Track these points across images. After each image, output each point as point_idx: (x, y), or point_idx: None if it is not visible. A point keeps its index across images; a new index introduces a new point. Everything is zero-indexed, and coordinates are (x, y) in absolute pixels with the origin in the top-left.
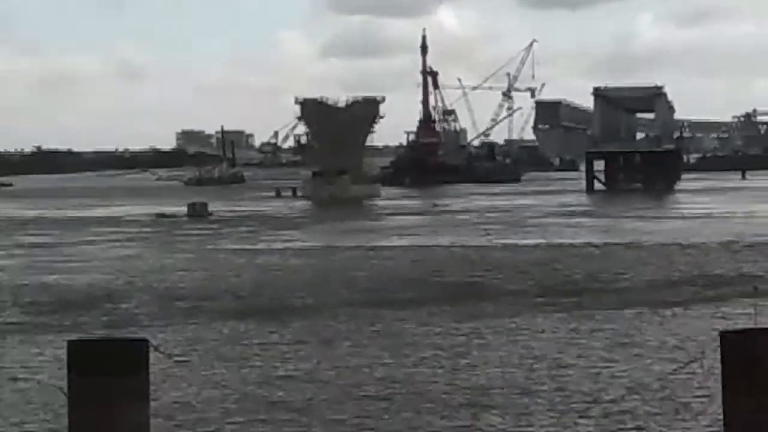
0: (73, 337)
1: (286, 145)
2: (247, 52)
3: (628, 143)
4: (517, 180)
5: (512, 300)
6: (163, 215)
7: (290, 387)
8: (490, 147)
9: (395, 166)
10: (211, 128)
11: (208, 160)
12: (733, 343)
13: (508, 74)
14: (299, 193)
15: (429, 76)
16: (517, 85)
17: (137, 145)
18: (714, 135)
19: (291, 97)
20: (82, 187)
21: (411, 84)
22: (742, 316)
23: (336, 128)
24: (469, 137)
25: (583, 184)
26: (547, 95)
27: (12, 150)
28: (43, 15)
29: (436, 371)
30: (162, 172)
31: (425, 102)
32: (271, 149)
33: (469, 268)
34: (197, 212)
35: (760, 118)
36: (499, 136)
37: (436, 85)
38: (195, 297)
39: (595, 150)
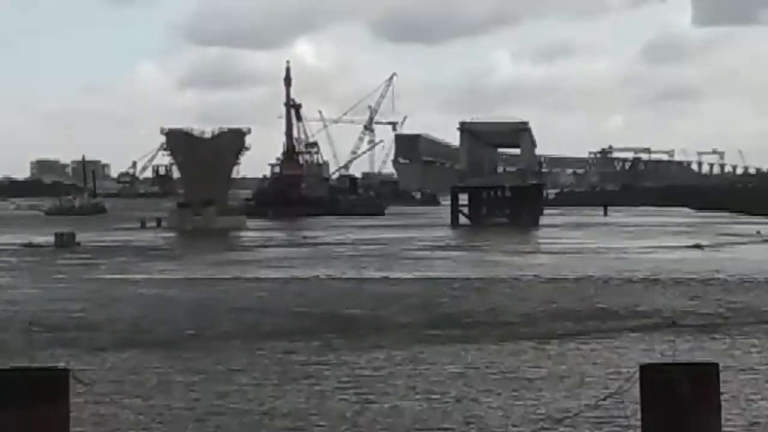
0: None
1: (143, 176)
2: (103, 82)
3: (493, 177)
4: (381, 213)
5: (406, 332)
6: (30, 245)
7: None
8: (352, 180)
9: (258, 198)
10: (65, 157)
11: (65, 190)
12: (652, 377)
13: (370, 107)
14: (164, 224)
15: (292, 108)
16: (379, 118)
17: None
18: (570, 171)
19: (147, 128)
20: None
21: (269, 116)
22: (635, 349)
23: (202, 159)
24: (331, 170)
25: (448, 218)
26: (406, 129)
27: None
28: None
29: (344, 403)
30: (20, 202)
31: (289, 134)
32: (129, 180)
33: (353, 300)
34: (65, 242)
35: (615, 155)
36: (360, 169)
37: (299, 118)
38: (79, 327)
39: (462, 185)
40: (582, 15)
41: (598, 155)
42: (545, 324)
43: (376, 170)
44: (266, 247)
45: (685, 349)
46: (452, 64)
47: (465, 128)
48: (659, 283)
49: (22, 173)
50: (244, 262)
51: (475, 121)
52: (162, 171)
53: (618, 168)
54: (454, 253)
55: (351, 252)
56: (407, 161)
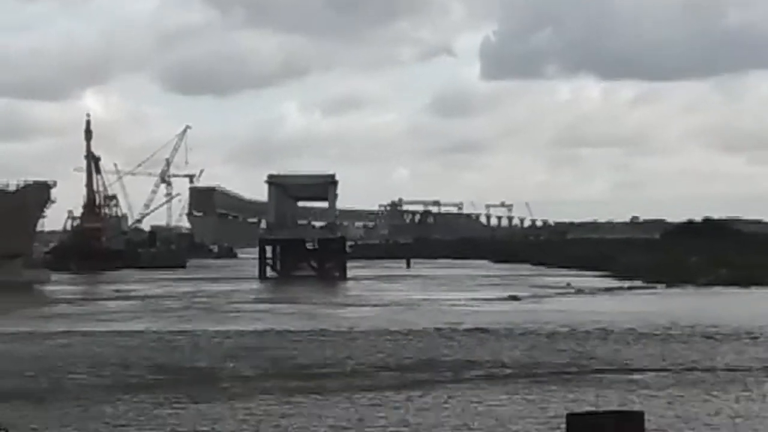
0: None
1: None
2: None
3: (301, 230)
4: (183, 266)
5: (254, 383)
6: None
7: None
8: (151, 233)
9: (58, 250)
10: None
11: None
12: (579, 426)
13: (167, 160)
14: None
15: (92, 160)
16: (174, 171)
17: None
18: (360, 223)
19: None
20: None
21: (57, 168)
22: (504, 397)
23: (6, 211)
24: (129, 222)
25: (251, 270)
26: (202, 182)
27: None
28: None
29: None
30: None
31: (89, 186)
32: None
33: (205, 353)
34: None
35: (405, 207)
36: (155, 222)
37: (98, 170)
38: None
39: (270, 237)
40: (371, 68)
41: (388, 208)
42: (405, 373)
43: (173, 223)
44: (82, 300)
45: (552, 397)
46: (243, 116)
47: (273, 181)
48: (492, 334)
49: None
50: (71, 315)
51: (282, 173)
52: None
53: (408, 221)
54: (278, 306)
55: (177, 304)
56: (201, 214)
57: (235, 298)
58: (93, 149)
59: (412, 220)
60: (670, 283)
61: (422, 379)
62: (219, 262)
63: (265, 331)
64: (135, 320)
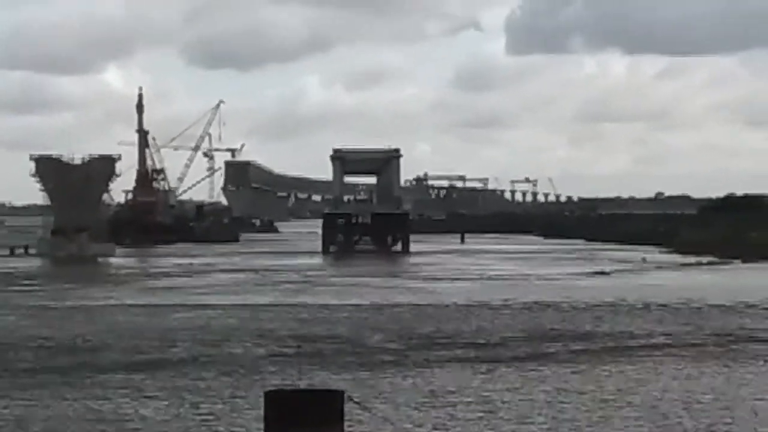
0: None
1: None
2: None
3: (361, 205)
4: (236, 240)
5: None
6: None
7: None
8: (199, 207)
9: (113, 224)
10: None
11: None
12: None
13: (205, 135)
14: (32, 251)
15: (142, 134)
16: (206, 145)
17: None
18: None
19: None
20: None
21: (78, 141)
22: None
23: (72, 186)
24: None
25: (303, 244)
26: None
27: None
28: None
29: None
30: None
31: (141, 161)
32: None
33: (340, 326)
34: None
35: (431, 182)
36: (189, 197)
37: (147, 144)
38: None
39: (333, 212)
40: (396, 41)
41: (414, 182)
42: (568, 343)
43: (213, 197)
44: (166, 275)
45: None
46: (266, 90)
47: (337, 155)
48: (612, 308)
49: None
50: (173, 288)
51: (345, 148)
52: None
53: (433, 196)
54: (369, 280)
55: (288, 278)
56: (235, 188)
57: (320, 271)
58: (114, 123)
59: (438, 195)
60: (746, 259)
61: (589, 349)
62: (264, 236)
63: (384, 306)
64: (249, 294)
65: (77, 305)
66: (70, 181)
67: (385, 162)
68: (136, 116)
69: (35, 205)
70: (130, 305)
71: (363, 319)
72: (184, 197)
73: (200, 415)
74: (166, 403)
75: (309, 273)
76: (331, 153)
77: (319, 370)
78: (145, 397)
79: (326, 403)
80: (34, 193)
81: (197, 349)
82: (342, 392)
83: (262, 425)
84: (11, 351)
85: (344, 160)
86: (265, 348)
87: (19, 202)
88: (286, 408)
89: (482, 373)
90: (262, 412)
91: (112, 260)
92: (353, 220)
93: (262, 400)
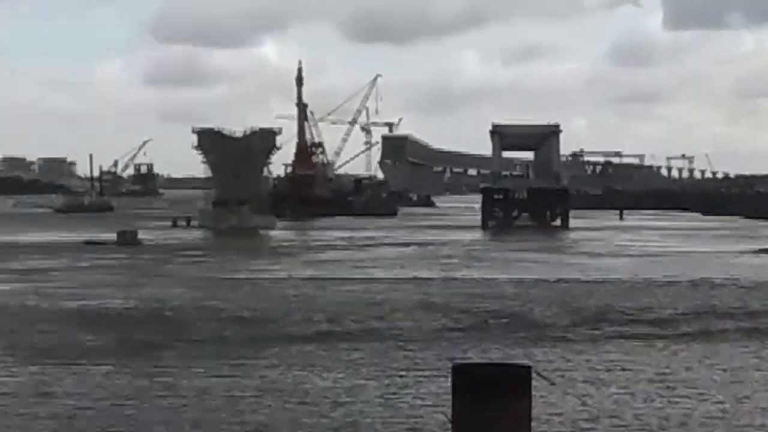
0: None
1: (125, 174)
2: (66, 78)
3: (521, 180)
4: (394, 214)
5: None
6: (91, 242)
7: None
8: (357, 181)
9: (273, 197)
10: (30, 155)
11: (29, 187)
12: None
13: (361, 109)
14: (194, 223)
15: (302, 108)
16: (363, 119)
17: None
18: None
19: (113, 126)
20: None
21: (233, 114)
22: None
23: (233, 158)
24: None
25: (460, 218)
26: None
27: None
28: None
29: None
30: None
31: (301, 134)
32: (112, 178)
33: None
34: (128, 240)
35: (586, 158)
36: (346, 170)
37: (305, 118)
38: (262, 321)
39: (493, 186)
40: (554, 16)
41: (570, 158)
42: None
43: (370, 171)
44: (329, 248)
45: None
46: (421, 64)
47: (496, 131)
48: None
49: None
50: (345, 261)
51: (504, 123)
52: (144, 170)
53: (589, 172)
54: (530, 255)
55: (450, 251)
56: (391, 162)
57: (481, 246)
58: (268, 96)
59: (593, 170)
60: None
61: (758, 328)
62: (421, 210)
63: (549, 281)
64: (413, 267)
65: (244, 278)
66: (232, 154)
67: (545, 137)
68: (292, 90)
69: (193, 177)
70: (298, 278)
71: (529, 293)
72: (340, 171)
73: (381, 387)
74: (342, 374)
75: (470, 247)
76: (490, 128)
77: (490, 344)
78: (322, 368)
79: (514, 376)
80: (191, 165)
81: (368, 322)
82: (529, 367)
83: (442, 399)
84: (185, 322)
85: (503, 135)
86: (436, 321)
87: (176, 174)
88: (474, 381)
89: (657, 349)
90: (441, 385)
91: (273, 233)
92: (511, 195)
93: (439, 373)
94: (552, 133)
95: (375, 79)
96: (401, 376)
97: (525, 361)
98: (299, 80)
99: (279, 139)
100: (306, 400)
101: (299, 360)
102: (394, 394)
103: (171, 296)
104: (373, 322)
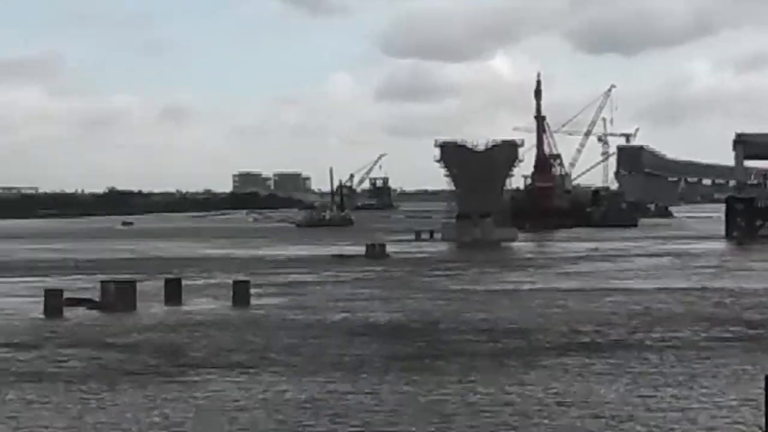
0: None
1: (359, 188)
2: (296, 93)
3: (765, 190)
4: (635, 225)
5: None
6: (341, 256)
7: None
8: (595, 192)
9: (512, 209)
10: (264, 170)
11: (263, 202)
12: None
13: (599, 120)
14: (437, 236)
15: (540, 120)
16: (596, 130)
17: (188, 186)
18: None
19: (342, 140)
20: (212, 228)
21: (460, 127)
22: None
23: (476, 171)
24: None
25: (700, 229)
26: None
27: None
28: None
29: None
30: (254, 215)
31: (539, 146)
32: (348, 192)
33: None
34: (376, 254)
35: None
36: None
37: (544, 129)
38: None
39: (738, 196)
40: None
41: None
42: None
43: (607, 183)
44: (594, 260)
45: None
46: (650, 75)
47: (741, 140)
48: None
49: (224, 187)
50: (599, 273)
51: (748, 132)
52: (379, 184)
53: None
54: None
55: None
56: (627, 173)
57: (731, 256)
58: (499, 109)
59: None
60: None
61: None
62: (661, 221)
63: None
64: (669, 278)
65: (500, 289)
66: (474, 167)
67: None
68: (523, 102)
69: (425, 191)
70: (555, 289)
71: None
72: (575, 182)
73: (681, 397)
74: (615, 382)
75: (720, 258)
76: (733, 137)
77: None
78: (595, 376)
79: None
80: (424, 179)
81: (636, 335)
82: None
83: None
84: (456, 335)
85: (747, 144)
86: (707, 332)
87: (408, 187)
88: None
89: None
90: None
91: (515, 245)
92: (755, 205)
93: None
94: None
95: (609, 89)
96: (680, 385)
97: None
98: (537, 93)
99: (519, 152)
100: (598, 412)
101: (580, 370)
102: (686, 403)
103: (434, 308)
104: (640, 334)
